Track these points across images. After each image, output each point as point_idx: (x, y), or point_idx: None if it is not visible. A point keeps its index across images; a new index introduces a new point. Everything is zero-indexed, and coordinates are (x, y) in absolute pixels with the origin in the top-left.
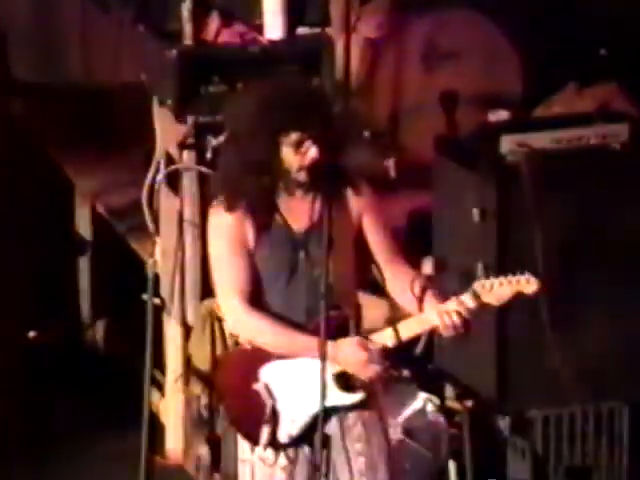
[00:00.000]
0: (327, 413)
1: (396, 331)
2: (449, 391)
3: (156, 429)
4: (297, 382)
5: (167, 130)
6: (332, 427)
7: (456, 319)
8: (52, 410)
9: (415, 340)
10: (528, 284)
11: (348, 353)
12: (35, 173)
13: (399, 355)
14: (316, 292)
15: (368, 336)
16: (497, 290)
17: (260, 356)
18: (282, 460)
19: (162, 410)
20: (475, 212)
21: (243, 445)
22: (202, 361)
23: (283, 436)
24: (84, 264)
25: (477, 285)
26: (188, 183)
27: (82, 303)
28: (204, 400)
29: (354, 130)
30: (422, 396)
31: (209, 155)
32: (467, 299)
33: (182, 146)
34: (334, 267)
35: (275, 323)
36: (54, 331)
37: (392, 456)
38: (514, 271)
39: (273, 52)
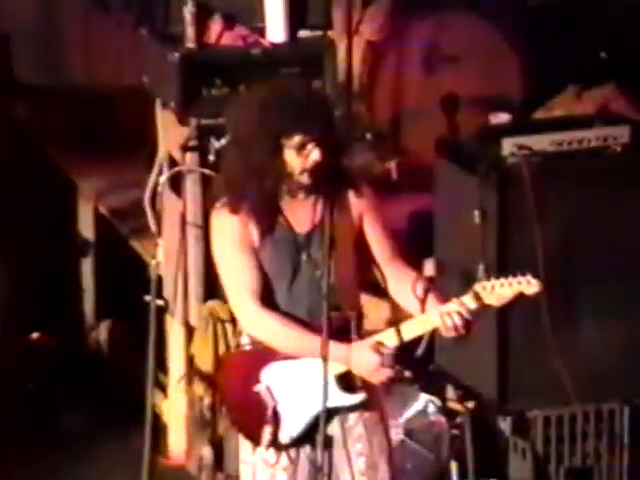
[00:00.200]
0: (328, 414)
1: (398, 332)
2: (450, 392)
3: (159, 429)
4: (298, 383)
5: (170, 132)
6: (333, 428)
7: (457, 320)
8: (55, 411)
9: (416, 341)
10: (529, 285)
11: (361, 357)
12: (38, 174)
13: (401, 356)
14: (318, 293)
15: (382, 340)
16: (498, 291)
17: (261, 357)
18: (284, 460)
19: (165, 411)
20: (476, 214)
21: (245, 446)
22: (205, 362)
23: (284, 437)
24: (87, 265)
25: (478, 286)
26: (191, 185)
27: (85, 304)
28: (207, 401)
29: (356, 132)
30: (423, 397)
31: (212, 157)
32: (468, 300)
33: (185, 148)
34: (335, 268)
35: (288, 323)
36: (57, 332)
37: (393, 457)
38: (515, 272)
39: (275, 55)
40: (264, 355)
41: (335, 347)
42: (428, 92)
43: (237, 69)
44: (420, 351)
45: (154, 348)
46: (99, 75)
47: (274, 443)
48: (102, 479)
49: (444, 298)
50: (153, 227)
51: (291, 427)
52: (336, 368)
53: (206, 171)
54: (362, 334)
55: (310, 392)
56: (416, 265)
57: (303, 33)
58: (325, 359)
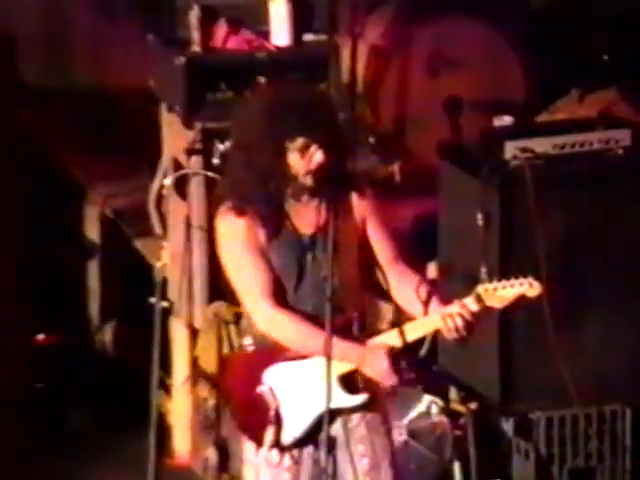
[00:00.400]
0: (331, 415)
1: (402, 333)
2: (453, 393)
3: (164, 430)
4: (301, 384)
5: (175, 135)
6: (336, 429)
7: (459, 322)
8: (60, 412)
9: (419, 343)
10: (531, 288)
11: (376, 360)
12: (43, 177)
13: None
14: (322, 294)
15: (395, 345)
16: (500, 293)
17: (264, 359)
18: (287, 461)
19: (170, 412)
20: (479, 216)
21: (248, 446)
22: (209, 363)
23: (287, 437)
24: (92, 267)
25: (480, 288)
26: (195, 188)
27: (91, 306)
28: (211, 402)
29: (359, 135)
30: (426, 398)
31: (216, 160)
32: (470, 302)
33: (190, 151)
34: (339, 270)
35: (302, 321)
36: (63, 333)
37: (396, 457)
38: (517, 275)
39: (280, 59)
40: (267, 356)
41: (348, 346)
42: (431, 95)
43: (242, 73)
44: (423, 352)
45: (159, 349)
46: (105, 78)
47: (277, 444)
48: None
49: (446, 300)
50: (158, 229)
51: (294, 428)
52: (339, 369)
53: (211, 174)
54: (365, 335)
55: (313, 393)
56: (419, 268)
57: (308, 37)
58: (329, 359)
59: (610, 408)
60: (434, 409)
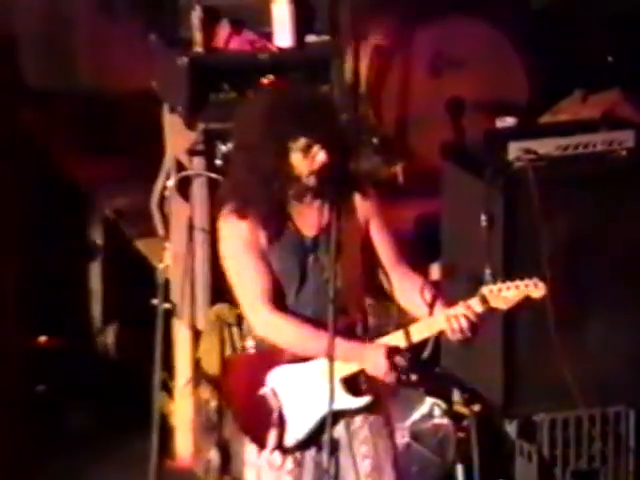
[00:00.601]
0: (334, 416)
1: (407, 334)
2: (456, 395)
3: (166, 432)
4: (304, 386)
5: (177, 136)
6: (339, 430)
7: (464, 323)
8: (62, 413)
9: (422, 345)
10: (536, 289)
11: (376, 358)
12: (46, 178)
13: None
14: (325, 296)
15: (396, 346)
16: (505, 294)
17: (267, 360)
18: (289, 463)
19: (172, 413)
20: (482, 218)
21: (249, 449)
22: (211, 365)
23: (290, 440)
24: (95, 269)
25: (485, 289)
26: (198, 189)
27: (93, 308)
28: (213, 404)
29: (362, 137)
30: (429, 400)
31: (219, 162)
32: (475, 303)
33: (192, 152)
34: (342, 271)
35: (301, 324)
36: (65, 335)
37: (399, 459)
38: (521, 276)
39: (282, 60)
40: (269, 358)
41: (348, 345)
42: (434, 96)
43: (245, 74)
44: (426, 354)
45: (161, 351)
46: (107, 79)
47: (280, 446)
48: None
49: (450, 301)
50: (160, 231)
51: (297, 430)
52: (342, 371)
53: (213, 175)
54: (368, 337)
55: (316, 395)
56: (422, 269)
57: (310, 38)
58: (331, 361)
59: (614, 410)
60: (437, 411)
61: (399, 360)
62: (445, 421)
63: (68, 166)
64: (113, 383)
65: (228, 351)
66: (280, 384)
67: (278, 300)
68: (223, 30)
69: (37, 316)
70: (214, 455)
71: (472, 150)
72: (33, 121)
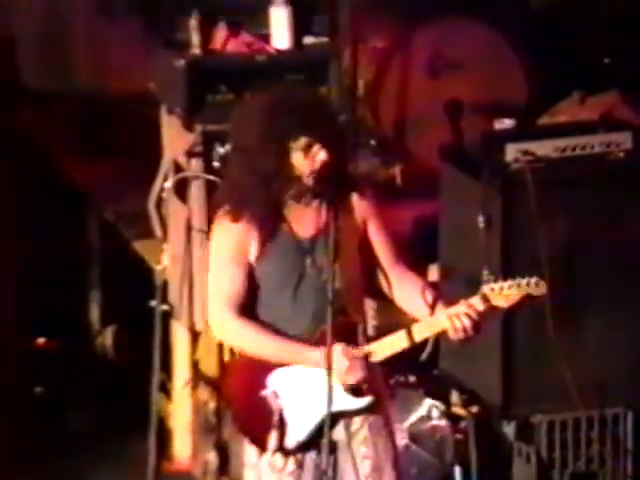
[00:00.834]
0: (334, 418)
1: (409, 333)
2: (454, 397)
3: (164, 434)
4: (304, 388)
5: (175, 138)
6: (338, 431)
7: (466, 322)
8: (60, 415)
9: (421, 346)
10: (537, 287)
11: (334, 361)
12: (44, 179)
13: (405, 361)
14: (323, 297)
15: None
16: (506, 293)
17: (266, 363)
18: (290, 465)
19: (170, 415)
20: (480, 219)
21: (249, 451)
22: (210, 367)
23: (291, 441)
24: (93, 270)
25: (486, 288)
26: (196, 191)
27: (91, 309)
28: (212, 405)
29: (360, 138)
30: (427, 402)
31: (216, 163)
32: (476, 302)
33: (190, 154)
34: (341, 272)
35: (261, 331)
36: (63, 337)
37: (398, 460)
38: (522, 275)
39: (280, 61)
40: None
41: (309, 352)
42: (432, 98)
43: (242, 75)
44: (424, 356)
45: (159, 353)
46: (105, 80)
47: (281, 448)
48: None
49: (448, 302)
50: (158, 232)
51: (297, 432)
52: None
53: (211, 177)
54: (368, 338)
55: (316, 396)
56: (421, 270)
57: (308, 40)
58: (330, 362)
59: (612, 411)
60: (435, 413)
61: (358, 362)
62: (443, 422)
63: (67, 167)
64: (112, 384)
65: (226, 353)
66: (281, 386)
67: (247, 309)
68: (221, 32)
69: (36, 317)
70: (212, 457)
71: (470, 152)
72: (33, 121)
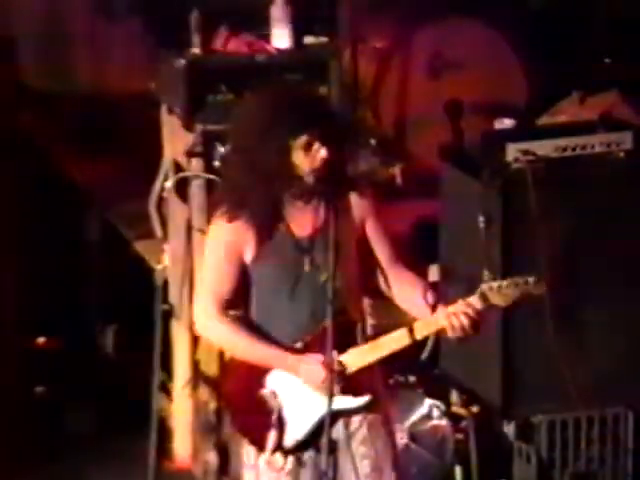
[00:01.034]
0: (333, 417)
1: (410, 331)
2: (455, 396)
3: (164, 434)
4: (303, 387)
5: (175, 138)
6: (337, 431)
7: (464, 320)
8: (61, 415)
9: (421, 346)
10: (536, 285)
11: (310, 370)
12: (45, 179)
13: (405, 361)
14: (321, 297)
15: (335, 358)
16: (504, 291)
17: None
18: (289, 465)
19: (171, 415)
20: (480, 219)
21: (248, 450)
22: (210, 367)
23: (289, 441)
24: (93, 270)
25: (485, 286)
26: (196, 190)
27: (91, 309)
28: (212, 405)
29: (361, 137)
30: (428, 402)
31: (217, 163)
32: (475, 300)
33: (190, 154)
34: (340, 271)
35: (241, 333)
36: (63, 336)
37: (398, 460)
38: (519, 276)
39: (280, 61)
40: None
41: (285, 357)
42: (433, 98)
43: (242, 75)
44: (424, 356)
45: (160, 353)
46: (105, 80)
47: (279, 447)
48: None
49: (448, 302)
50: (158, 232)
51: (296, 431)
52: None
53: (211, 177)
54: (367, 337)
55: (314, 396)
56: (421, 270)
57: (308, 39)
58: (330, 368)
59: (612, 411)
60: (435, 412)
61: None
62: (444, 422)
63: (67, 167)
64: (112, 384)
65: (227, 353)
66: (279, 385)
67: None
68: (221, 32)
69: (36, 317)
70: (213, 457)
71: (470, 152)
72: (33, 121)
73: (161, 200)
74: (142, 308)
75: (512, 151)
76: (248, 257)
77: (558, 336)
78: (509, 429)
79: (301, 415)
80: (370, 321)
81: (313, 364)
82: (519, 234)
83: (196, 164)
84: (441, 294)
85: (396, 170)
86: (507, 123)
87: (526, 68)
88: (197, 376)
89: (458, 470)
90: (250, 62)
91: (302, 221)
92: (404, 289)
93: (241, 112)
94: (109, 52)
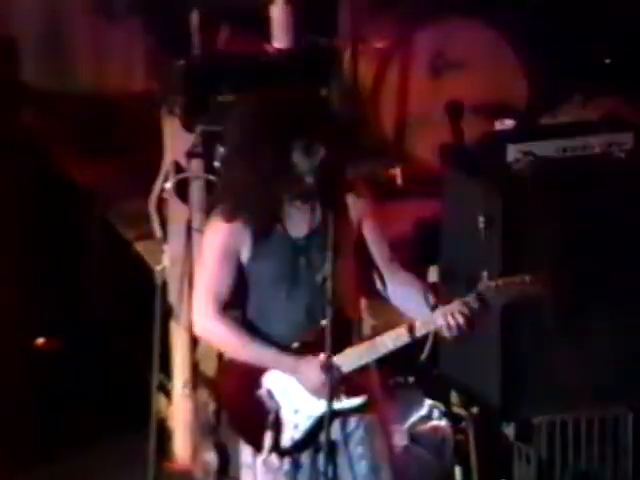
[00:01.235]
0: (330, 417)
1: (410, 329)
2: (454, 397)
3: (164, 434)
4: (299, 387)
5: (176, 139)
6: (334, 432)
7: (461, 320)
8: (60, 415)
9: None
10: (531, 285)
11: (310, 372)
12: (45, 179)
13: (404, 362)
14: (318, 297)
15: (332, 359)
16: (501, 290)
17: None
18: (286, 465)
19: (170, 416)
20: (480, 220)
21: (246, 451)
22: (209, 368)
23: (286, 441)
24: (93, 270)
25: (481, 286)
26: (196, 191)
27: (90, 309)
28: (212, 406)
29: (361, 138)
30: (427, 402)
31: (217, 164)
32: (472, 300)
33: (190, 155)
34: (337, 271)
35: (239, 333)
36: (63, 337)
37: (396, 460)
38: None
39: (281, 62)
40: None
41: (283, 358)
42: (433, 98)
43: (243, 76)
44: (424, 356)
45: (159, 353)
46: (105, 80)
47: (276, 448)
48: None
49: (447, 302)
50: (158, 233)
51: (293, 431)
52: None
53: (212, 177)
54: (362, 337)
55: (311, 396)
56: (421, 271)
57: (309, 40)
58: (330, 363)
59: (612, 412)
60: (435, 413)
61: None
62: (443, 423)
63: (67, 167)
64: (111, 385)
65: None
66: (277, 385)
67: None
68: (222, 32)
69: (36, 317)
70: (212, 457)
71: (471, 152)
72: (33, 121)
73: (161, 201)
74: (142, 308)
75: (512, 152)
76: (245, 257)
77: (558, 336)
78: (509, 430)
79: (298, 415)
80: (370, 321)
81: (311, 367)
82: (520, 234)
83: (196, 165)
84: (440, 295)
85: (397, 171)
86: (508, 123)
87: (526, 68)
88: (196, 377)
89: (458, 471)
90: (251, 63)
91: (298, 221)
92: (400, 289)
93: (241, 113)
94: (109, 52)
